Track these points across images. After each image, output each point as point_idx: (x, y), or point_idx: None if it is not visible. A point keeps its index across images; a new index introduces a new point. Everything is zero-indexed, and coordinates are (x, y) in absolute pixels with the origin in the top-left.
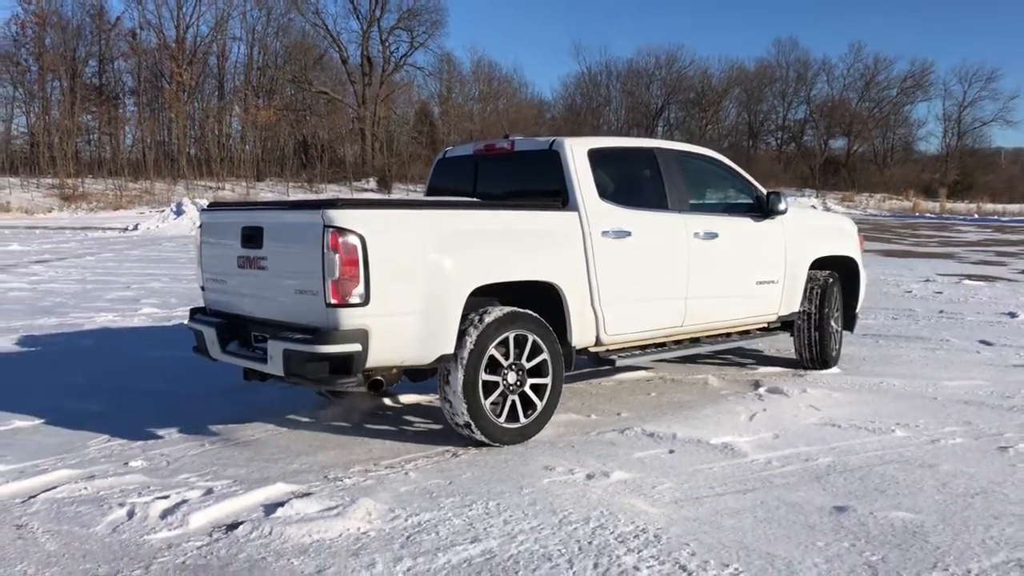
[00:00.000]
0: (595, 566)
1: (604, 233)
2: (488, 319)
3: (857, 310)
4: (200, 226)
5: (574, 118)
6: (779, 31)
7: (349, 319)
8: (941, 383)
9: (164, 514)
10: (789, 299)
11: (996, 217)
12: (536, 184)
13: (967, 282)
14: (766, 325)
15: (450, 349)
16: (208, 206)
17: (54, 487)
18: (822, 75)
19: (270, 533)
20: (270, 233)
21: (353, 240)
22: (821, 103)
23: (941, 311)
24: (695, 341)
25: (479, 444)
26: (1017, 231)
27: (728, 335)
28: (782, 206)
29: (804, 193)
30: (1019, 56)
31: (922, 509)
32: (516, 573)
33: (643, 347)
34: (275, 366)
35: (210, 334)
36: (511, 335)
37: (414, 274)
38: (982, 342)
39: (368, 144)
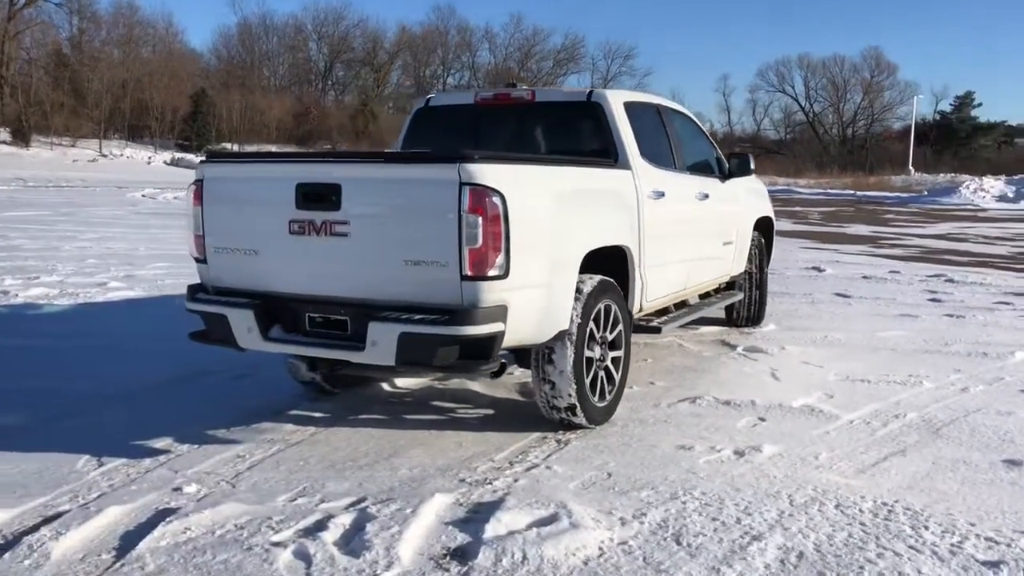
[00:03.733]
0: (910, 548)
1: (648, 194)
2: (586, 289)
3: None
4: (199, 183)
5: (233, 70)
6: None
7: (490, 294)
8: (877, 335)
9: (351, 549)
10: (739, 259)
11: None
12: (570, 141)
13: None
14: (720, 286)
15: (567, 324)
16: (208, 156)
17: (142, 532)
18: (485, 43)
19: (525, 559)
20: (356, 191)
21: (497, 201)
22: (485, 70)
23: None
24: (683, 304)
25: (568, 427)
26: None
27: (701, 297)
28: (753, 167)
29: None
30: (651, 36)
31: None
32: (861, 567)
33: (657, 313)
34: (379, 353)
35: (245, 318)
36: (602, 306)
37: (543, 240)
38: (838, 295)
39: None
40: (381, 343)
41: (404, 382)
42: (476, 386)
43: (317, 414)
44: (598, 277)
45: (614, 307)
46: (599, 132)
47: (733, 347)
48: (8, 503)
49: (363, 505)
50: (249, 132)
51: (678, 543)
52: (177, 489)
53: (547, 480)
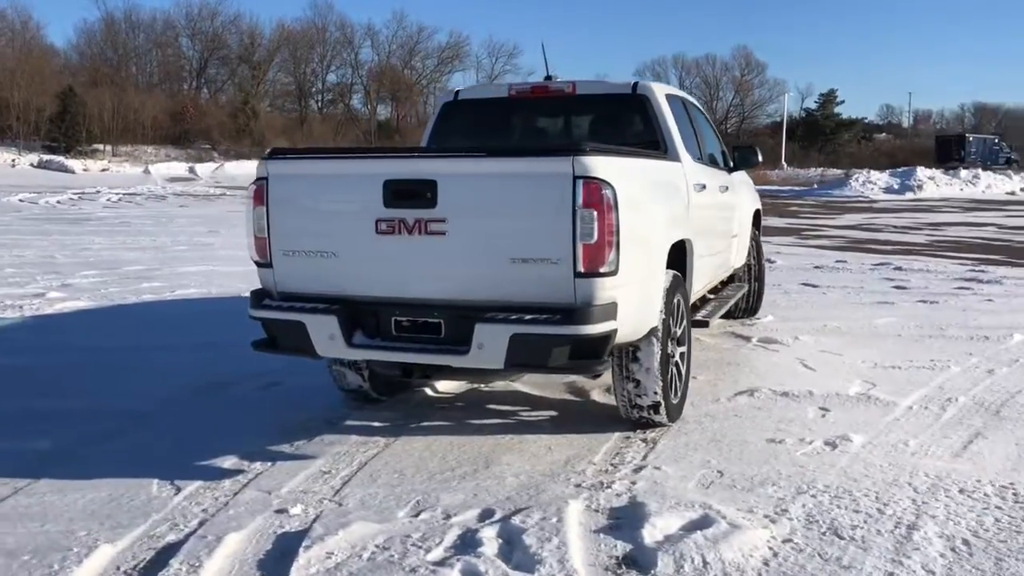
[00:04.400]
0: None
1: (694, 186)
2: (666, 285)
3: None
4: (262, 181)
5: (100, 68)
6: None
7: (603, 291)
8: (872, 322)
9: (519, 564)
10: (741, 252)
11: None
12: (615, 135)
13: None
14: (725, 279)
15: (656, 321)
16: (272, 153)
17: (280, 560)
18: (368, 40)
19: (706, 564)
20: (454, 187)
21: (610, 194)
22: (369, 68)
23: None
24: (705, 300)
25: (645, 426)
26: None
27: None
28: (760, 159)
29: None
30: (533, 35)
31: None
32: None
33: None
34: (486, 356)
35: (326, 325)
36: (675, 301)
37: (643, 235)
38: (806, 285)
39: None
40: (489, 345)
41: (445, 386)
42: (523, 387)
43: (376, 423)
44: (671, 272)
45: (681, 302)
46: (646, 125)
47: (747, 339)
48: (106, 536)
49: (497, 517)
50: (123, 132)
51: (840, 537)
52: (282, 511)
53: (664, 481)
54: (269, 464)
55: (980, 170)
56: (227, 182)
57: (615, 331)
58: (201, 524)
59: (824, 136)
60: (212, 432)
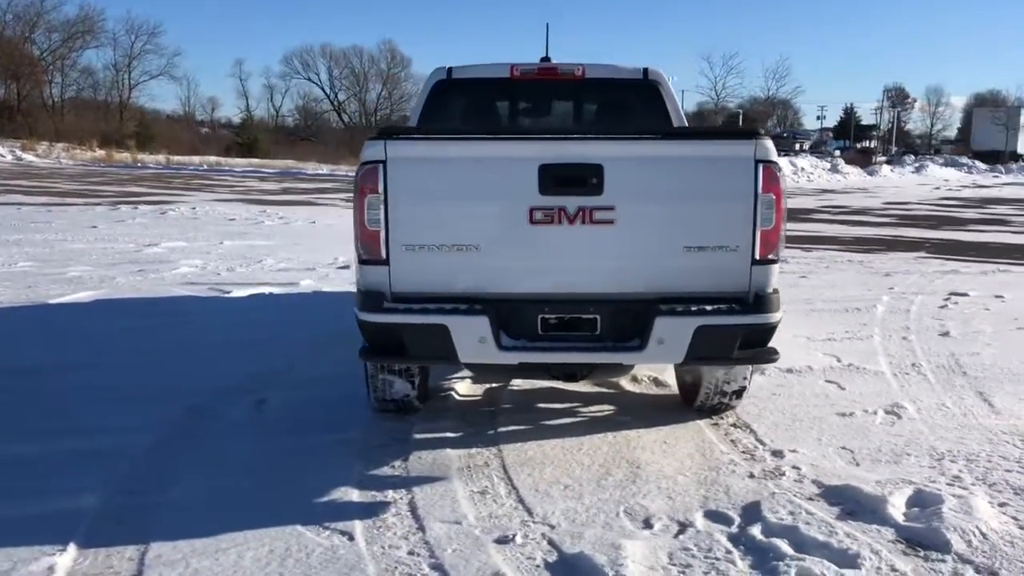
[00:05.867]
0: None
1: None
2: None
3: None
4: (378, 164)
5: None
6: None
7: (773, 278)
8: None
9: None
10: None
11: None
12: (625, 120)
13: None
14: None
15: None
16: (388, 132)
17: None
18: None
19: (985, 537)
20: (623, 173)
21: (781, 178)
22: None
23: None
24: None
25: (716, 412)
26: (305, 180)
27: None
28: None
29: None
30: (181, 15)
31: None
32: None
33: None
34: (665, 352)
35: (476, 327)
36: None
37: None
38: None
39: None
40: (670, 340)
41: (467, 389)
42: (548, 383)
43: (450, 434)
44: None
45: None
46: (659, 111)
47: None
48: None
49: (739, 521)
50: None
51: None
52: (505, 541)
53: (816, 462)
54: (403, 491)
55: None
56: None
57: (781, 319)
58: (443, 572)
59: None
60: (272, 465)
